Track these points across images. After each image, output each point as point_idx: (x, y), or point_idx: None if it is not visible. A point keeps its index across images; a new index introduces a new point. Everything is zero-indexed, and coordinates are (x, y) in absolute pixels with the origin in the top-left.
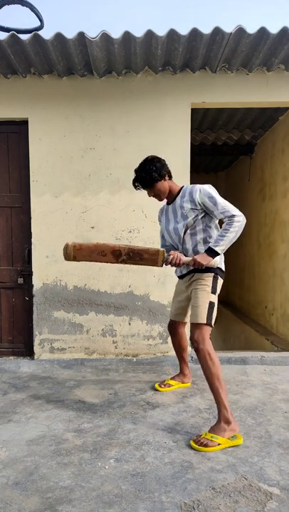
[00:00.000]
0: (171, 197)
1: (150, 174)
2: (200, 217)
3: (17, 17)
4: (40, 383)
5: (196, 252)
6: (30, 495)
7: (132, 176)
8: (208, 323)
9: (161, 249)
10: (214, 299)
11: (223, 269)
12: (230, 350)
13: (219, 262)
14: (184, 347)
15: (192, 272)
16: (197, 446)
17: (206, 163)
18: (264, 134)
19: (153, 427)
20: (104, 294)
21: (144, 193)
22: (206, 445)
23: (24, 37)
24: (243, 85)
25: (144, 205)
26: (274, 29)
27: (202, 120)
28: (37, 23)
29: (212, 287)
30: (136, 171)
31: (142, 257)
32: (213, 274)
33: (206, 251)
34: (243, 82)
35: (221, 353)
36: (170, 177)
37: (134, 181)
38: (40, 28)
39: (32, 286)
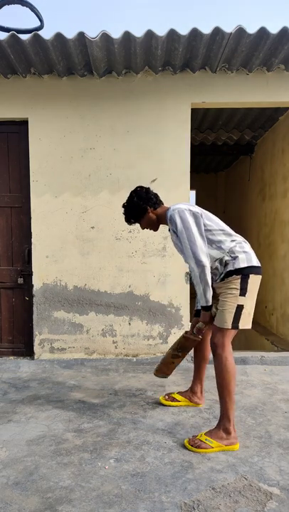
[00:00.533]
0: (165, 221)
1: (130, 213)
2: None
3: (17, 17)
4: (40, 383)
5: (216, 268)
6: (30, 495)
7: (132, 176)
8: (234, 327)
9: (183, 334)
10: (243, 300)
11: (254, 264)
12: None
13: (247, 260)
14: (205, 357)
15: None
16: (194, 448)
17: (206, 163)
18: (264, 134)
19: (153, 426)
20: (104, 294)
21: None
22: (198, 446)
23: (24, 37)
24: (243, 85)
25: None
26: (274, 29)
27: (202, 120)
28: (37, 23)
29: (241, 289)
30: (124, 206)
31: (184, 346)
32: (240, 275)
33: (202, 309)
34: (243, 82)
35: None
36: (157, 204)
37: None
38: (40, 28)
39: (32, 286)
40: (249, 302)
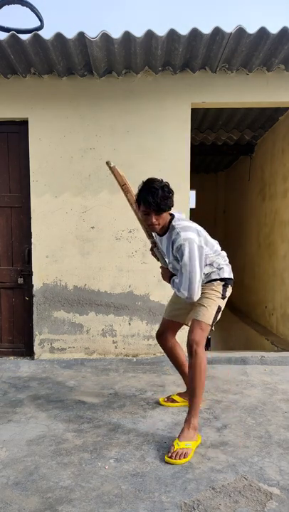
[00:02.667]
0: (163, 229)
1: (167, 200)
2: None
3: (17, 17)
4: (40, 383)
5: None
6: (30, 495)
7: (132, 176)
8: (211, 326)
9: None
10: (222, 304)
11: (232, 277)
12: (231, 350)
13: (229, 272)
14: (182, 361)
15: None
16: (178, 459)
17: (206, 163)
18: (264, 134)
19: (153, 426)
20: (104, 294)
21: None
22: (185, 455)
23: (24, 37)
24: (243, 85)
25: None
26: (274, 29)
27: (202, 120)
28: (37, 23)
29: (222, 293)
30: (152, 188)
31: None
32: (223, 282)
33: (172, 280)
34: (243, 82)
35: (221, 353)
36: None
37: (149, 199)
38: (40, 28)
39: (32, 286)
40: (223, 307)
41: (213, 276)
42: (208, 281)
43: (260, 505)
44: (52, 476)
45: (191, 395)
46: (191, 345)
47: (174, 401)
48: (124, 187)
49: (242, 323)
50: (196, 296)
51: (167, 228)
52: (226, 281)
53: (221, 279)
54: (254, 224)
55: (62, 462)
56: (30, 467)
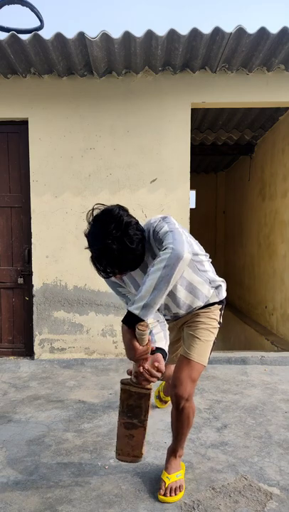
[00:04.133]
0: None
1: (129, 253)
2: None
3: (17, 17)
4: (40, 383)
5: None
6: (30, 495)
7: (132, 176)
8: (205, 363)
9: (121, 387)
10: (216, 333)
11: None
12: (230, 350)
13: (224, 288)
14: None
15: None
16: (174, 496)
17: (206, 163)
18: (264, 134)
19: (153, 426)
20: (104, 294)
21: (144, 192)
22: (180, 488)
23: (24, 37)
24: (243, 85)
25: (144, 205)
26: (274, 29)
27: (202, 120)
28: (37, 23)
29: (219, 320)
30: (102, 250)
31: (132, 406)
32: (221, 306)
33: (126, 320)
34: (243, 82)
35: (221, 353)
36: (138, 230)
37: (106, 266)
38: (40, 28)
39: (32, 286)
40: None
41: (212, 300)
42: (205, 305)
43: (260, 505)
44: (52, 476)
45: (176, 437)
46: (177, 401)
47: (167, 402)
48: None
49: (242, 323)
50: (187, 253)
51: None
52: (223, 303)
53: (219, 302)
54: (254, 224)
55: (62, 462)
56: (30, 467)
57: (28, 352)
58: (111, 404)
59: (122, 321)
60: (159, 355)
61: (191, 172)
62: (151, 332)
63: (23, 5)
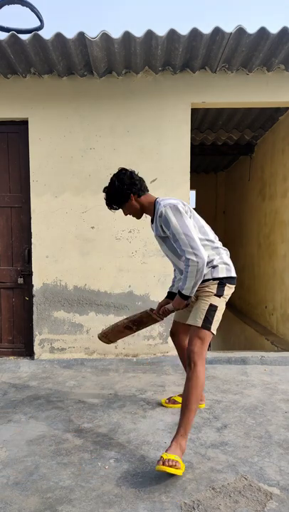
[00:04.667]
0: (151, 213)
1: (112, 198)
2: None
3: (17, 17)
4: (40, 383)
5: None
6: (30, 495)
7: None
8: (206, 327)
9: (147, 310)
10: (218, 302)
11: (232, 275)
12: (230, 350)
13: (226, 270)
14: None
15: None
16: (170, 468)
17: (206, 163)
18: (264, 134)
19: (153, 426)
20: (104, 294)
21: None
22: (176, 466)
23: (24, 37)
24: (243, 85)
25: None
26: (274, 29)
27: (202, 120)
28: (37, 23)
29: (216, 292)
30: (105, 188)
31: (143, 321)
32: (217, 281)
33: (178, 294)
34: (243, 82)
35: (221, 353)
36: (142, 192)
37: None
38: (40, 28)
39: (32, 286)
40: (221, 306)
41: (205, 277)
42: (202, 280)
43: (260, 505)
44: (52, 476)
45: (182, 409)
46: (188, 356)
47: (175, 402)
48: (122, 326)
49: (242, 323)
50: (204, 254)
51: (154, 211)
52: (221, 280)
53: (214, 279)
54: (254, 224)
55: (62, 462)
56: (30, 467)
57: (28, 352)
58: (111, 404)
59: (182, 297)
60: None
61: (191, 172)
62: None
63: (23, 5)
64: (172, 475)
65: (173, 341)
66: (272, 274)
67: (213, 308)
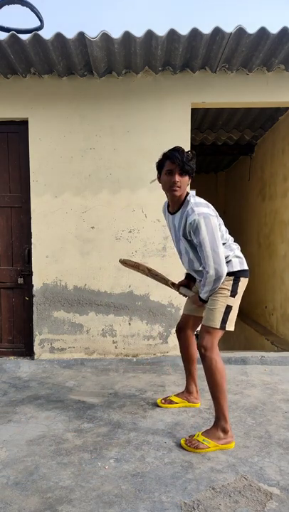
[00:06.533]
0: (178, 204)
1: (191, 161)
2: None
3: (17, 17)
4: (40, 383)
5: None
6: (30, 495)
7: (132, 176)
8: (222, 327)
9: (169, 280)
10: (232, 302)
11: (245, 268)
12: (231, 350)
13: (240, 263)
14: (192, 358)
15: None
16: (187, 446)
17: (206, 163)
18: (264, 134)
19: (153, 426)
20: (104, 294)
21: (144, 192)
22: (196, 447)
23: (24, 37)
24: (243, 85)
25: (144, 205)
26: (274, 29)
27: (202, 120)
28: (37, 23)
29: (231, 290)
30: (179, 149)
31: (159, 278)
32: (232, 277)
33: (200, 300)
34: (243, 82)
35: (220, 353)
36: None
37: (176, 154)
38: (40, 28)
39: (32, 286)
40: (236, 304)
41: None
42: None
43: (260, 505)
44: (52, 476)
45: (212, 398)
46: (199, 350)
47: (171, 402)
48: (141, 267)
49: (242, 323)
50: (225, 269)
51: (181, 204)
52: (236, 275)
53: (229, 274)
54: (254, 224)
55: (62, 462)
56: (30, 467)
57: (28, 352)
58: (111, 404)
59: (200, 300)
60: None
61: None
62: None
63: (23, 5)
64: (172, 475)
65: (178, 337)
66: (272, 274)
67: (228, 310)
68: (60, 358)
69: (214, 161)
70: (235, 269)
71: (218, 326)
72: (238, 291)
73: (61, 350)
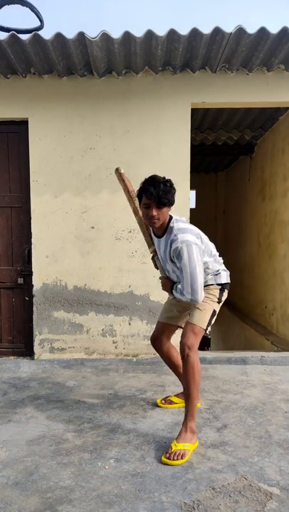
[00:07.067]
0: (161, 230)
1: (168, 194)
2: None
3: (17, 17)
4: (40, 383)
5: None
6: (30, 495)
7: (132, 176)
8: (205, 329)
9: (154, 249)
10: (217, 307)
11: (228, 281)
12: (230, 350)
13: (226, 276)
14: (178, 362)
15: None
16: (175, 460)
17: (206, 163)
18: (264, 134)
19: (153, 426)
20: (104, 294)
21: None
22: (183, 455)
23: (24, 37)
24: (243, 85)
25: None
26: (274, 29)
27: (202, 120)
28: (37, 23)
29: (218, 298)
30: (155, 181)
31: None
32: (220, 287)
33: (172, 286)
34: (243, 82)
35: (221, 353)
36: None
37: (151, 190)
38: (40, 28)
39: (32, 286)
40: (218, 310)
41: (210, 282)
42: (205, 285)
43: (260, 505)
44: (52, 476)
45: (185, 398)
46: (183, 349)
47: (171, 402)
48: (132, 193)
49: (242, 323)
50: (201, 296)
51: (165, 230)
52: (222, 286)
53: (218, 284)
54: (254, 224)
55: (62, 462)
56: (30, 467)
57: (28, 352)
58: (111, 404)
59: (172, 292)
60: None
61: (191, 172)
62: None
63: (23, 5)
64: (172, 475)
65: (155, 347)
66: (272, 274)
67: (213, 314)
68: (60, 358)
69: (214, 161)
70: (223, 282)
71: (205, 327)
72: (222, 299)
73: (61, 350)
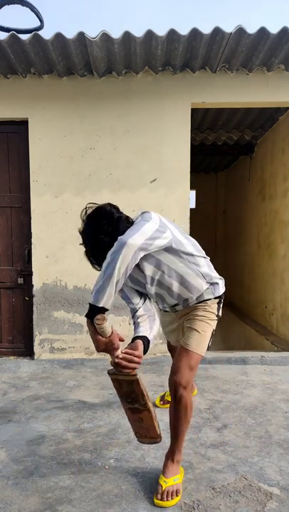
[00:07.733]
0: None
1: (98, 243)
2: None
3: (17, 17)
4: (40, 383)
5: (186, 298)
6: (30, 495)
7: (132, 176)
8: (203, 352)
9: (110, 377)
10: (215, 325)
11: (224, 289)
12: (230, 350)
13: (222, 286)
14: None
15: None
16: (171, 500)
17: (206, 163)
18: (264, 134)
19: None
20: None
21: (144, 192)
22: (177, 492)
23: (24, 37)
24: (243, 85)
25: (144, 205)
26: (274, 29)
27: (202, 120)
28: (37, 23)
29: (217, 313)
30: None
31: (125, 391)
32: (217, 300)
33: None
34: (243, 82)
35: (221, 353)
36: (129, 223)
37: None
38: (40, 28)
39: (32, 286)
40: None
41: (207, 296)
42: (201, 300)
43: (260, 505)
44: (52, 476)
45: (174, 435)
46: (175, 388)
47: (169, 402)
48: (146, 397)
49: (242, 323)
50: (131, 237)
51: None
52: (220, 298)
53: (215, 298)
54: (254, 224)
55: (62, 462)
56: (30, 467)
57: (28, 352)
58: (111, 404)
59: (85, 315)
60: (138, 342)
61: (191, 172)
62: (137, 324)
63: (23, 5)
64: None
65: (171, 355)
66: (272, 274)
67: (212, 335)
68: (60, 358)
69: (214, 161)
70: (221, 292)
71: (204, 353)
72: (220, 314)
73: (61, 350)
